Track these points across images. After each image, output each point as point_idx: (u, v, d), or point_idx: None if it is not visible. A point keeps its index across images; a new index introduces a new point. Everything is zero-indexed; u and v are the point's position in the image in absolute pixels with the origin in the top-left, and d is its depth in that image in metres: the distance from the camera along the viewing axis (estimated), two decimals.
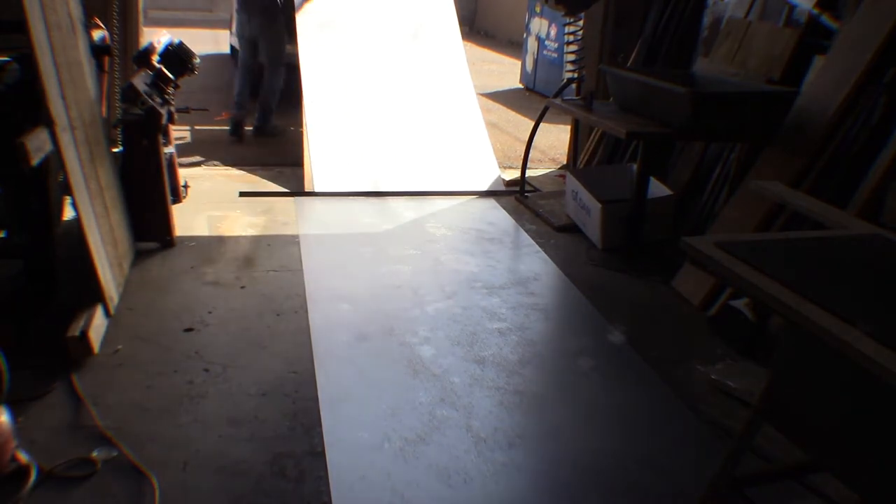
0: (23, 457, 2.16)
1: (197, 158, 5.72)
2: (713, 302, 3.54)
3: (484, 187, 5.16)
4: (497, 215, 4.80)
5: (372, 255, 4.01)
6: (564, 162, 6.18)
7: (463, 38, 6.17)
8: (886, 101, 3.24)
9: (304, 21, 5.46)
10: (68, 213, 3.78)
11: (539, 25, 9.85)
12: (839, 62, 3.47)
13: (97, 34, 3.97)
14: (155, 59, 4.13)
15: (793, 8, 3.97)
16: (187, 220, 4.30)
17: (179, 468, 2.26)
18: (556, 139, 7.24)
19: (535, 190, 5.38)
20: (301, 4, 5.74)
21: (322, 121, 5.13)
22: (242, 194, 4.66)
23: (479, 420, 2.60)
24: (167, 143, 4.32)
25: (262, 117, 6.41)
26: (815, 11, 3.74)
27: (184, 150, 5.79)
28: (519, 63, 10.84)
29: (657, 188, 4.28)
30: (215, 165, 5.55)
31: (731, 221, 3.69)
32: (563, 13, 5.61)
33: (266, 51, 6.22)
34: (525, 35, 10.37)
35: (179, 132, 6.08)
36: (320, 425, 2.50)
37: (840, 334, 1.46)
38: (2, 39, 2.96)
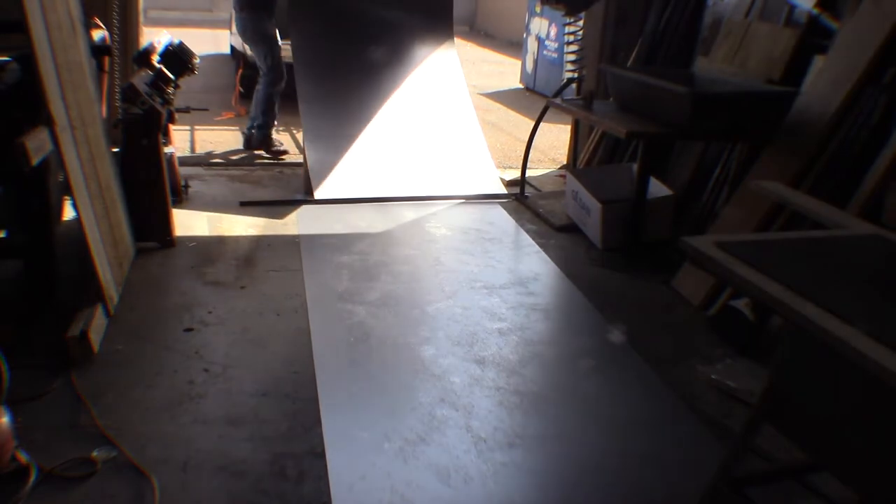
0: (23, 457, 2.16)
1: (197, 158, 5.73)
2: (713, 302, 3.54)
3: (483, 191, 5.14)
4: (497, 215, 4.80)
5: (372, 255, 4.01)
6: (564, 162, 6.18)
7: (463, 38, 6.17)
8: (886, 102, 3.24)
9: (299, 29, 5.37)
10: (68, 213, 3.78)
11: (539, 25, 9.85)
12: (839, 62, 3.47)
13: (97, 34, 3.97)
14: (155, 59, 4.14)
15: (793, 8, 3.96)
16: (187, 220, 4.30)
17: (179, 468, 2.26)
18: (556, 139, 7.24)
19: (536, 190, 5.38)
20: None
21: (319, 126, 5.10)
22: (242, 204, 4.65)
23: (479, 420, 2.60)
24: (167, 142, 4.33)
25: (257, 128, 5.84)
26: (815, 11, 3.74)
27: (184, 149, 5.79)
28: (519, 63, 10.83)
29: (657, 188, 4.28)
30: (215, 165, 5.55)
31: (731, 221, 3.69)
32: (563, 13, 5.61)
33: (254, 52, 5.78)
34: (525, 35, 10.37)
35: (180, 132, 6.06)
36: (320, 425, 2.50)
37: (840, 334, 1.46)
38: (2, 39, 2.96)
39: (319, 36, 5.32)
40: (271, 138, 5.85)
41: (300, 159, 5.38)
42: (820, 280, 1.70)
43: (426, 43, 5.73)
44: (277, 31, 5.73)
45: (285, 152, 5.83)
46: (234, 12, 5.97)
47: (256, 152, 5.84)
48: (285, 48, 5.77)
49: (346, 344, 3.07)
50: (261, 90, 5.72)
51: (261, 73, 5.74)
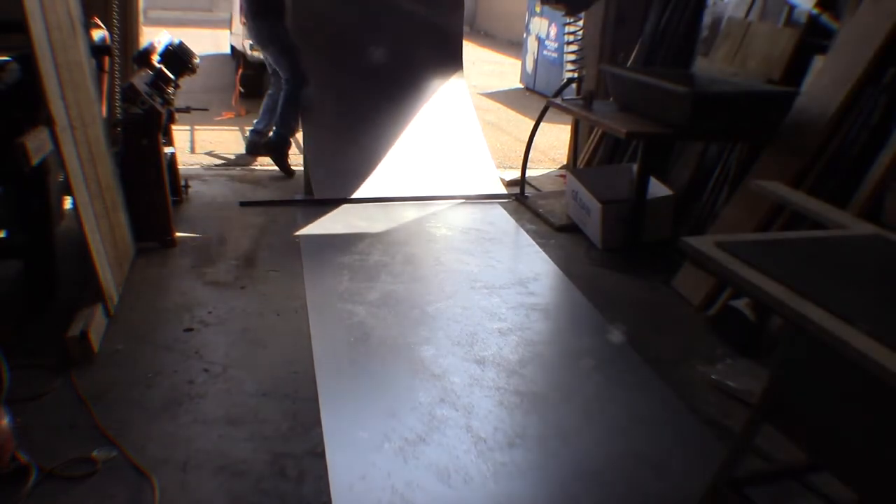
0: (23, 457, 2.16)
1: (197, 157, 5.73)
2: (713, 302, 3.54)
3: (483, 191, 5.14)
4: (497, 215, 4.80)
5: (372, 255, 4.01)
6: (564, 162, 6.18)
7: (463, 38, 6.12)
8: (886, 102, 3.24)
9: (301, 31, 5.29)
10: (68, 214, 3.78)
11: (539, 25, 9.86)
12: (839, 62, 3.47)
13: (97, 34, 3.97)
14: (155, 58, 4.13)
15: (793, 8, 3.96)
16: (187, 219, 4.30)
17: (179, 468, 2.26)
18: (556, 139, 7.24)
19: (536, 190, 5.38)
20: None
21: (320, 127, 5.08)
22: (242, 204, 4.65)
23: (479, 420, 2.60)
24: (168, 142, 4.33)
25: (276, 136, 5.39)
26: (815, 11, 3.74)
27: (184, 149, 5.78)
28: (519, 63, 10.84)
29: (657, 188, 4.28)
30: (216, 164, 5.55)
31: (731, 221, 3.69)
32: (563, 13, 5.61)
33: (271, 59, 5.39)
34: (525, 35, 10.38)
35: (180, 132, 6.06)
36: (320, 425, 2.50)
37: (840, 334, 1.46)
38: (2, 39, 2.96)
39: (322, 38, 5.30)
40: (287, 152, 5.42)
41: (300, 160, 5.37)
42: (820, 280, 1.70)
43: (428, 44, 5.72)
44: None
45: (291, 173, 5.38)
46: (246, 20, 5.53)
47: (261, 158, 5.59)
48: None
49: (346, 344, 3.07)
50: (284, 96, 5.32)
51: (283, 80, 5.33)
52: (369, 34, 5.42)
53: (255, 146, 5.60)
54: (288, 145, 5.38)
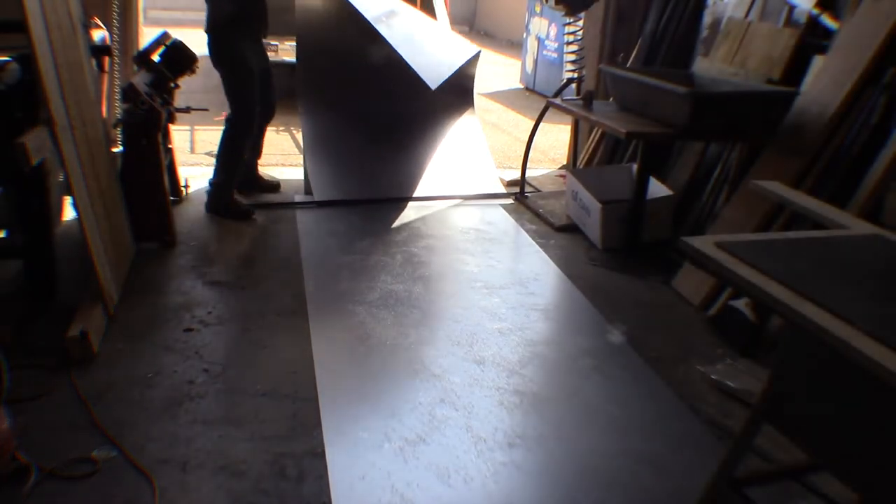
0: (23, 457, 2.16)
1: (197, 157, 5.73)
2: (713, 302, 3.54)
3: (483, 191, 5.13)
4: (497, 215, 4.80)
5: (372, 255, 4.01)
6: (564, 162, 6.18)
7: (463, 37, 6.12)
8: (886, 102, 3.24)
9: (304, 33, 5.25)
10: (68, 214, 3.78)
11: (539, 25, 9.86)
12: (839, 62, 3.47)
13: (97, 34, 3.98)
14: (155, 58, 4.14)
15: (793, 8, 3.96)
16: (187, 220, 4.30)
17: (179, 468, 2.26)
18: (556, 139, 7.24)
19: (536, 190, 5.38)
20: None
21: (319, 126, 5.07)
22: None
23: (479, 420, 2.60)
24: (167, 142, 4.32)
25: (212, 186, 4.44)
26: (815, 11, 3.74)
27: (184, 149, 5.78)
28: (519, 63, 10.84)
29: (657, 188, 4.28)
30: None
31: (731, 221, 3.69)
32: (563, 13, 5.61)
33: (221, 80, 4.37)
34: (525, 35, 10.38)
35: (180, 132, 6.06)
36: (320, 425, 2.50)
37: (840, 334, 1.46)
38: (2, 39, 2.96)
39: (323, 40, 5.29)
40: (232, 200, 4.40)
41: (300, 161, 5.37)
42: (820, 280, 1.70)
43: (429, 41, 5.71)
44: (263, 52, 4.65)
45: (249, 213, 4.42)
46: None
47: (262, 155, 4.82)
48: (286, 49, 5.68)
49: (346, 344, 3.07)
50: (223, 138, 4.38)
51: (227, 115, 4.37)
52: (372, 46, 5.39)
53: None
54: (231, 197, 4.42)
